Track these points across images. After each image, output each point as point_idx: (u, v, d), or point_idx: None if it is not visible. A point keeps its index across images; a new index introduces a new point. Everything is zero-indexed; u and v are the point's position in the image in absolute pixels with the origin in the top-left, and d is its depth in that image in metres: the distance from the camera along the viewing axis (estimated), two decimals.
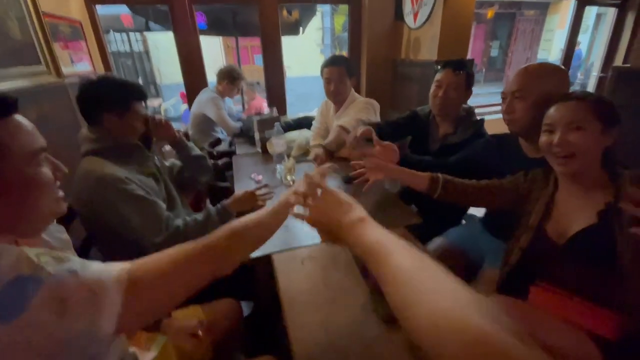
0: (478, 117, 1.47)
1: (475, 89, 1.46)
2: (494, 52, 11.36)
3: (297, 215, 0.67)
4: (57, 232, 0.69)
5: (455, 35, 2.28)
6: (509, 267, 0.94)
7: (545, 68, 1.00)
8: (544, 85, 0.97)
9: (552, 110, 0.84)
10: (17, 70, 1.46)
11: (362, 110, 1.73)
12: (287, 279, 0.89)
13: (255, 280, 1.06)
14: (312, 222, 0.61)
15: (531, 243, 0.90)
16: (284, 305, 0.80)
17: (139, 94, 1.09)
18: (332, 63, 1.77)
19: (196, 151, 1.40)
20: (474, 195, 1.05)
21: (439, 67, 1.46)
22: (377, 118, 1.78)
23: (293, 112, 2.76)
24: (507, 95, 1.04)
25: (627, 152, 0.92)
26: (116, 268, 0.49)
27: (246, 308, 1.24)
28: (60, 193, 0.60)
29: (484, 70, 11.23)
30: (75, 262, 0.47)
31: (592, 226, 0.79)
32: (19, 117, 0.53)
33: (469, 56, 2.52)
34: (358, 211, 0.56)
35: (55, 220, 0.71)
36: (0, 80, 1.33)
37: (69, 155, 1.02)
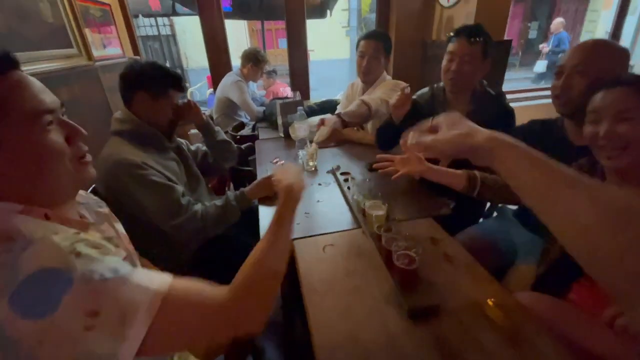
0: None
1: (510, 73, 1.35)
2: (532, 34, 10.55)
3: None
4: (97, 207, 0.66)
5: (492, 14, 2.13)
6: (547, 264, 0.87)
7: (611, 45, 0.92)
8: (608, 63, 0.88)
9: (597, 98, 0.75)
10: (50, 53, 1.50)
11: (389, 93, 1.64)
12: (307, 266, 0.87)
13: None
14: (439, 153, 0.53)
15: None
16: (304, 291, 0.79)
17: (179, 85, 1.17)
18: (371, 36, 1.68)
19: (222, 136, 1.41)
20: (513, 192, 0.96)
21: (451, 35, 1.29)
22: None
23: (316, 97, 2.71)
24: (566, 69, 0.94)
25: None
26: (153, 288, 0.45)
27: None
28: (88, 157, 0.55)
29: (520, 53, 10.50)
30: (117, 265, 0.44)
31: None
32: (19, 74, 0.47)
33: (505, 37, 2.35)
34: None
35: (87, 192, 0.70)
36: (34, 62, 1.37)
37: (98, 136, 1.04)
